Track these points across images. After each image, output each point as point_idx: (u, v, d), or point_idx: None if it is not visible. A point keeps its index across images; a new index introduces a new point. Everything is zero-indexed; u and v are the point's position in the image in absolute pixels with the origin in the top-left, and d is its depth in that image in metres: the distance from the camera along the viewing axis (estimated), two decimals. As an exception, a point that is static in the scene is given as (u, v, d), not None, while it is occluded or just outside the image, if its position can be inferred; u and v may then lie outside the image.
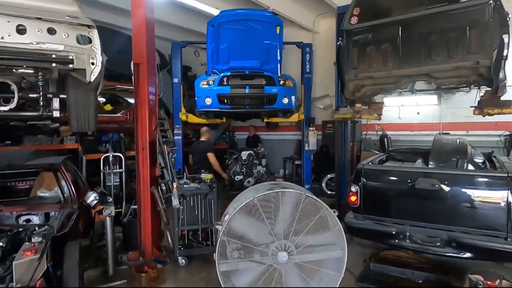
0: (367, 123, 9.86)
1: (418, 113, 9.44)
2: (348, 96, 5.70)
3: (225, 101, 6.61)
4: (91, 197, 4.84)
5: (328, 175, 9.39)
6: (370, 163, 4.85)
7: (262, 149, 7.83)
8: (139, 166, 5.22)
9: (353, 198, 4.75)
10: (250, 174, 7.32)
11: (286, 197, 3.48)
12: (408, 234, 4.29)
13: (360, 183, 4.68)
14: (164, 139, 7.12)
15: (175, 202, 4.74)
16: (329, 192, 9.28)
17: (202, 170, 6.44)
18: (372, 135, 10.08)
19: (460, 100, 8.78)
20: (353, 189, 4.74)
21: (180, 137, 8.95)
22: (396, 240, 4.36)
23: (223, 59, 7.31)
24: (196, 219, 4.99)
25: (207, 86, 6.78)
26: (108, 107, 8.64)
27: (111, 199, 4.74)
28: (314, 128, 8.93)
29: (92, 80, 3.40)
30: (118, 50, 8.86)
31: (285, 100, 6.79)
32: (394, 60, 5.05)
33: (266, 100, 6.66)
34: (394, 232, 4.36)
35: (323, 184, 9.41)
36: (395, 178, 4.54)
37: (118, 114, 5.34)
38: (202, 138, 6.92)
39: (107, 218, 4.65)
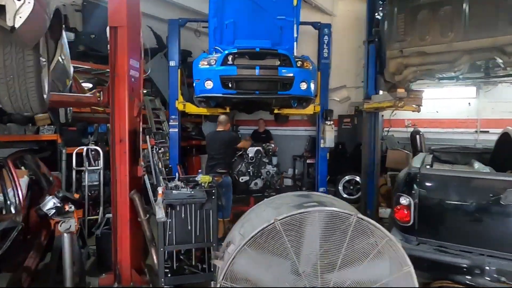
0: (390, 117, 8.51)
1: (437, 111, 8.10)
2: (388, 78, 4.37)
3: (230, 84, 5.27)
4: (49, 204, 3.54)
5: (346, 177, 8.05)
6: (427, 166, 3.49)
7: (273, 145, 6.48)
8: (115, 163, 3.91)
9: (402, 214, 3.42)
10: (258, 174, 5.99)
11: (325, 218, 2.16)
12: (487, 268, 2.96)
13: (414, 194, 3.34)
14: (156, 132, 5.74)
15: (160, 213, 3.42)
16: (346, 196, 7.94)
17: (219, 169, 5.15)
18: (395, 131, 8.72)
19: (504, 92, 7.42)
20: (403, 201, 3.41)
21: (176, 130, 7.62)
22: (469, 276, 3.03)
23: (228, 38, 5.97)
24: (188, 236, 3.67)
25: (207, 66, 5.44)
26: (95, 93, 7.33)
27: (73, 207, 3.44)
28: (332, 122, 7.59)
29: (18, 25, 2.06)
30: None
31: (303, 86, 5.45)
32: (457, 29, 3.70)
33: (280, 85, 5.31)
34: (466, 265, 3.03)
35: (339, 187, 8.08)
36: (469, 189, 3.19)
37: (88, 94, 3.99)
38: (220, 128, 5.69)
39: (64, 234, 3.33)
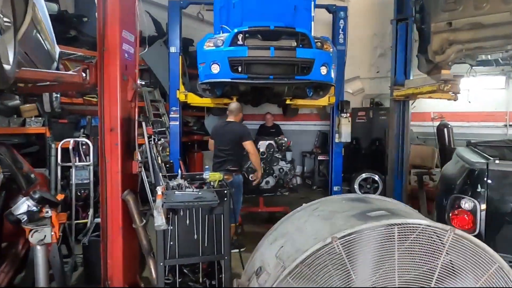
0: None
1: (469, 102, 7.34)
2: (431, 57, 3.63)
3: (240, 68, 4.53)
4: (21, 208, 2.80)
5: (363, 174, 7.33)
6: (497, 161, 2.75)
7: (286, 139, 5.73)
8: (105, 158, 3.17)
9: (463, 221, 2.70)
10: (270, 172, 5.26)
11: (406, 235, 1.43)
12: None
13: (481, 195, 2.62)
14: (155, 120, 4.96)
15: (159, 220, 2.69)
16: (363, 196, 7.23)
17: (229, 166, 4.43)
18: (414, 126, 7.99)
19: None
20: (465, 204, 2.68)
21: (177, 123, 6.88)
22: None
23: (235, 19, 5.20)
24: (194, 247, 2.93)
25: (214, 47, 4.70)
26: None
27: (49, 212, 2.72)
28: (348, 115, 6.85)
29: None
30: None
31: (323, 70, 4.72)
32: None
33: (297, 68, 4.57)
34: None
35: (355, 186, 7.35)
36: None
37: (71, 72, 3.24)
38: (230, 118, 4.85)
39: (37, 247, 2.60)
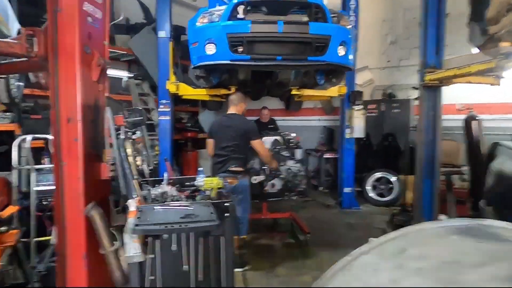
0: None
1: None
2: (488, 25, 2.80)
3: (241, 48, 3.65)
4: None
5: (377, 174, 6.50)
6: None
7: (294, 134, 4.86)
8: (60, 158, 2.29)
9: None
10: (276, 173, 4.39)
11: None
12: None
13: None
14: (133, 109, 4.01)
15: (132, 248, 1.83)
16: (378, 199, 6.40)
17: (233, 167, 3.59)
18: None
19: None
20: None
21: (167, 118, 5.98)
22: None
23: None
24: (183, 282, 2.08)
25: (208, 22, 3.82)
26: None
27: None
28: (361, 107, 6.01)
29: None
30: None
31: (341, 50, 3.86)
32: None
33: (311, 48, 3.70)
34: None
35: (367, 187, 6.52)
36: None
37: (9, 40, 2.34)
38: (232, 110, 4.03)
39: None
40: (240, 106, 4.02)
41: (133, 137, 2.47)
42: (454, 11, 5.43)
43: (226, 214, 2.08)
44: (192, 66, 4.14)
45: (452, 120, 6.46)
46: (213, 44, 3.76)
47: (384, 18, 7.73)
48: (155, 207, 2.00)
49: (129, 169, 2.17)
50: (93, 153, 2.41)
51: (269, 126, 6.95)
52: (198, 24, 3.94)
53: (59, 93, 2.28)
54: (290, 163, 4.50)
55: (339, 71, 4.48)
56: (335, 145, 8.24)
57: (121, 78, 7.52)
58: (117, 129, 2.27)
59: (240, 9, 3.67)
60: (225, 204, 2.13)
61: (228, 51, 3.67)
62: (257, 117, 7.21)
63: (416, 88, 7.33)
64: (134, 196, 2.09)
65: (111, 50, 6.87)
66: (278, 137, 4.67)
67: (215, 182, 2.34)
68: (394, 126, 7.01)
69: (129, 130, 2.39)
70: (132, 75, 7.79)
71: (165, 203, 2.13)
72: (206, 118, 8.35)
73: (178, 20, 7.62)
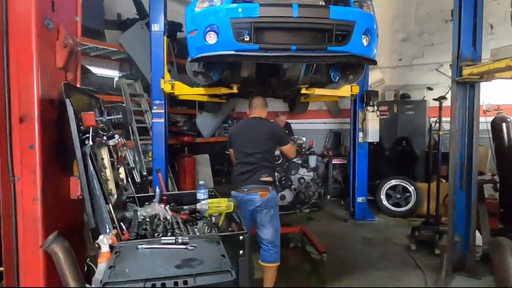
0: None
1: None
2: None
3: (248, 36, 3.04)
4: None
5: (392, 181, 5.89)
6: None
7: (304, 138, 4.24)
8: (10, 172, 1.66)
9: None
10: (287, 184, 3.76)
11: None
12: None
13: None
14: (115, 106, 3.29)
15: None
16: (393, 209, 5.78)
17: (263, 177, 2.97)
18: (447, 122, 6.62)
19: None
20: None
21: (161, 120, 5.33)
22: None
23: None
24: None
25: (208, 6, 3.21)
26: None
27: None
28: (376, 108, 5.41)
29: None
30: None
31: (365, 40, 3.27)
32: None
33: (332, 36, 3.09)
34: None
35: (381, 196, 5.91)
36: None
37: None
38: (255, 114, 3.39)
39: None
40: (264, 110, 3.41)
41: (110, 142, 1.84)
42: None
43: (241, 252, 1.45)
44: (190, 59, 3.51)
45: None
46: (214, 33, 3.14)
47: (395, 13, 7.17)
48: (139, 246, 1.37)
49: (100, 189, 1.54)
50: (57, 164, 1.78)
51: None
52: (196, 9, 3.32)
53: (9, 83, 1.65)
54: (302, 171, 3.88)
55: (358, 66, 3.88)
56: (342, 149, 7.66)
57: (113, 78, 6.88)
58: (84, 132, 1.64)
59: (247, -11, 3.06)
60: (240, 236, 1.50)
61: (232, 40, 3.05)
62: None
63: (431, 89, 6.80)
64: (107, 230, 1.46)
65: (101, 46, 6.27)
66: (289, 142, 4.04)
67: (224, 204, 1.72)
68: (408, 129, 6.43)
69: (104, 134, 1.76)
70: (124, 74, 7.16)
71: (155, 237, 1.50)
72: (203, 121, 7.73)
73: (174, 17, 7.04)
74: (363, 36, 3.25)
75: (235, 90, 4.69)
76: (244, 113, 9.14)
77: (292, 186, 3.80)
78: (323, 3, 3.20)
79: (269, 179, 3.08)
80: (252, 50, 3.08)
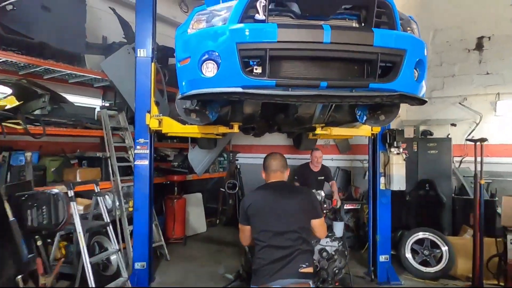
0: (465, 141, 5.57)
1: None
2: None
3: (261, 67, 2.18)
4: None
5: (420, 234, 4.94)
6: None
7: (323, 193, 3.29)
8: None
9: None
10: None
11: None
12: None
13: None
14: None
15: None
16: (421, 269, 4.80)
17: (305, 266, 2.12)
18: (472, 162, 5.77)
19: None
20: None
21: (145, 162, 4.37)
22: None
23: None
24: None
25: (206, 27, 2.34)
26: (11, 100, 4.16)
27: None
28: (401, 150, 4.54)
29: None
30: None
31: (416, 74, 2.42)
32: None
33: (375, 68, 2.23)
34: None
35: (406, 252, 4.92)
36: None
37: None
38: (277, 178, 2.59)
39: None
40: (286, 172, 2.55)
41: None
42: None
43: None
44: (180, 96, 2.60)
45: (490, 163, 5.09)
46: (213, 62, 2.26)
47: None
48: None
49: None
50: None
51: (319, 178, 5.46)
52: (190, 30, 2.44)
53: None
54: (324, 241, 2.92)
55: (393, 105, 3.02)
56: (352, 190, 6.74)
57: (94, 108, 5.94)
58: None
59: (259, 4, 2.19)
60: None
61: (239, 73, 2.16)
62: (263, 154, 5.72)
63: (455, 125, 6.00)
64: None
65: (80, 73, 5.39)
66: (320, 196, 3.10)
67: None
68: (431, 171, 5.57)
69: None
70: (105, 105, 6.24)
71: None
72: (196, 157, 6.78)
73: (164, 41, 6.25)
74: (415, 68, 2.40)
75: (235, 130, 3.79)
76: (241, 146, 8.29)
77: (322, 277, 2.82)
78: (362, 25, 2.35)
79: (310, 270, 2.14)
80: (267, 87, 2.19)
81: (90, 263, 3.46)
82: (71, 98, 5.83)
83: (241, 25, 2.19)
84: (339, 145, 6.87)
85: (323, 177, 5.53)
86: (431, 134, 5.80)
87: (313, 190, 3.46)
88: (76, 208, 3.54)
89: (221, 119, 3.63)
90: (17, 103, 4.23)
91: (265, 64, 2.16)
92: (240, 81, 2.18)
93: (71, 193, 3.62)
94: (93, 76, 5.52)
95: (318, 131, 3.93)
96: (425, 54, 2.50)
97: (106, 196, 5.19)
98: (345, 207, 5.84)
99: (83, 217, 4.21)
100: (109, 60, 5.47)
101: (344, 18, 2.45)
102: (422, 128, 5.87)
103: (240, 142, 8.18)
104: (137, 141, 4.36)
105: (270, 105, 3.39)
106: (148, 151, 4.36)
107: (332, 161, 6.97)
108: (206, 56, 2.27)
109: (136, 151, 4.37)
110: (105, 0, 6.22)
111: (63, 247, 4.45)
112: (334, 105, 3.46)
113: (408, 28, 2.57)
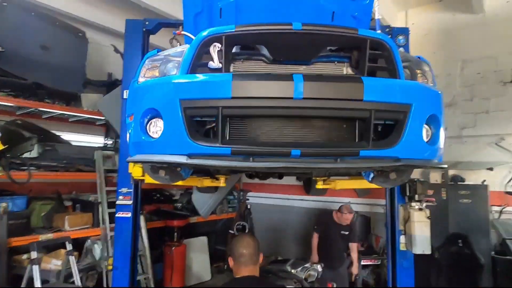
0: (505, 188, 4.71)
1: None
2: None
3: (214, 131, 1.66)
4: None
5: (450, 309, 4.08)
6: None
7: (320, 268, 2.62)
8: None
9: None
10: None
11: None
12: None
13: None
14: None
15: None
16: None
17: None
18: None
19: None
20: None
21: (128, 215, 3.88)
22: None
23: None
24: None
25: (157, 76, 1.86)
26: (-4, 145, 3.93)
27: None
28: (424, 204, 3.77)
29: None
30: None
31: (426, 133, 1.80)
32: None
33: (367, 131, 1.64)
34: None
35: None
36: None
37: None
38: (246, 272, 2.03)
39: None
40: (259, 260, 1.98)
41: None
42: None
43: None
44: (128, 159, 2.10)
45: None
46: (159, 119, 1.76)
47: (436, 72, 5.71)
48: None
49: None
50: None
51: (342, 233, 4.80)
52: (141, 79, 1.98)
53: None
54: None
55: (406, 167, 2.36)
56: (373, 239, 5.92)
57: (93, 148, 5.63)
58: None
59: (214, 49, 1.69)
60: None
61: (184, 137, 1.64)
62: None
63: (491, 169, 5.13)
64: None
65: (76, 114, 5.16)
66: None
67: None
68: (464, 223, 4.73)
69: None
70: (109, 142, 5.97)
71: None
72: (200, 198, 6.29)
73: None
74: (424, 127, 1.78)
75: (222, 184, 3.24)
76: (252, 185, 7.71)
77: None
78: (350, 72, 1.78)
79: None
80: (220, 156, 1.64)
81: None
82: (72, 136, 5.61)
83: (188, 77, 1.68)
84: (357, 188, 6.11)
85: (347, 233, 4.81)
86: (462, 180, 4.97)
87: (308, 265, 2.82)
88: (38, 273, 3.11)
89: (203, 171, 3.11)
90: (2, 146, 3.99)
91: (218, 127, 1.62)
92: (185, 148, 1.65)
93: (34, 255, 3.20)
94: (88, 116, 5.26)
95: (320, 185, 3.30)
96: (441, 107, 1.87)
97: (95, 245, 4.79)
98: (362, 263, 5.05)
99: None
100: (105, 99, 5.19)
101: (332, 62, 1.89)
102: (451, 172, 5.05)
103: (251, 180, 7.59)
104: (119, 190, 3.90)
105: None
106: (131, 202, 3.89)
107: (349, 203, 6.19)
108: (149, 115, 1.78)
109: (118, 202, 3.90)
110: (108, 37, 6.04)
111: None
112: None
113: (418, 71, 1.96)
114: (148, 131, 1.83)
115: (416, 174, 4.97)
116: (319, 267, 2.62)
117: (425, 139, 1.82)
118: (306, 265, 3.01)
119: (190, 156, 1.65)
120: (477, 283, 4.41)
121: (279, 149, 1.61)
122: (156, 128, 1.82)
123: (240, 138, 1.68)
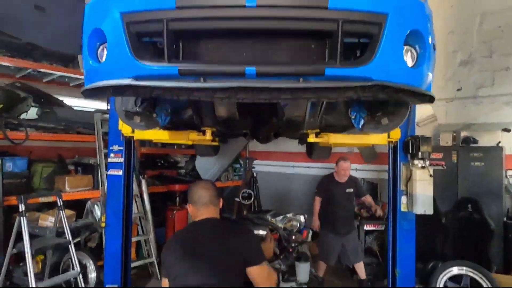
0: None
1: None
2: None
3: (158, 48, 1.48)
4: None
5: (454, 268, 3.86)
6: None
7: (302, 218, 2.45)
8: None
9: None
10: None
11: None
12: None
13: None
14: None
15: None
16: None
17: None
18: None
19: None
20: None
21: (119, 172, 3.83)
22: None
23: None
24: None
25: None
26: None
27: None
28: (428, 163, 3.50)
29: None
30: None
31: (409, 54, 1.55)
32: None
33: (334, 46, 1.42)
34: None
35: (437, 290, 3.87)
36: None
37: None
38: (205, 215, 1.94)
39: None
40: (218, 204, 1.87)
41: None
42: None
43: None
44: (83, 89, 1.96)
45: None
46: (104, 45, 1.59)
47: (452, 29, 5.28)
48: None
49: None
50: None
51: (347, 191, 4.59)
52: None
53: None
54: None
55: (398, 104, 2.12)
56: (380, 206, 5.69)
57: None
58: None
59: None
60: None
61: (128, 57, 1.47)
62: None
63: (508, 130, 4.75)
64: None
65: (76, 76, 5.09)
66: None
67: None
68: (475, 188, 4.42)
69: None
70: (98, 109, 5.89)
71: None
72: (204, 164, 6.22)
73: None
74: (405, 46, 1.53)
75: (208, 137, 3.08)
76: (258, 152, 7.56)
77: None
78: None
79: None
80: (167, 77, 1.46)
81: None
82: (75, 102, 5.56)
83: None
84: (364, 153, 5.85)
85: (352, 190, 4.58)
86: (475, 141, 4.62)
87: (290, 215, 2.66)
88: (25, 224, 3.10)
89: (188, 123, 2.96)
90: (-1, 106, 3.98)
91: (164, 44, 1.43)
92: (131, 70, 1.48)
93: (22, 207, 3.19)
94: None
95: (312, 138, 3.10)
96: (428, 22, 1.60)
97: (95, 207, 4.80)
98: (365, 228, 4.87)
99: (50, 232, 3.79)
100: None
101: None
102: (463, 134, 4.70)
103: (257, 148, 7.44)
104: (110, 148, 3.84)
105: (250, 106, 2.70)
106: (122, 160, 3.81)
107: (356, 171, 5.96)
108: (96, 36, 1.61)
109: (109, 160, 3.85)
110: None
111: (40, 261, 4.08)
112: (324, 104, 2.63)
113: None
114: (98, 56, 1.67)
115: (428, 131, 4.67)
116: (302, 218, 2.45)
117: (408, 61, 1.57)
118: (288, 215, 2.84)
119: (136, 78, 1.47)
120: (486, 248, 4.14)
121: (231, 67, 1.41)
122: (100, 53, 1.66)
123: (191, 58, 1.49)
